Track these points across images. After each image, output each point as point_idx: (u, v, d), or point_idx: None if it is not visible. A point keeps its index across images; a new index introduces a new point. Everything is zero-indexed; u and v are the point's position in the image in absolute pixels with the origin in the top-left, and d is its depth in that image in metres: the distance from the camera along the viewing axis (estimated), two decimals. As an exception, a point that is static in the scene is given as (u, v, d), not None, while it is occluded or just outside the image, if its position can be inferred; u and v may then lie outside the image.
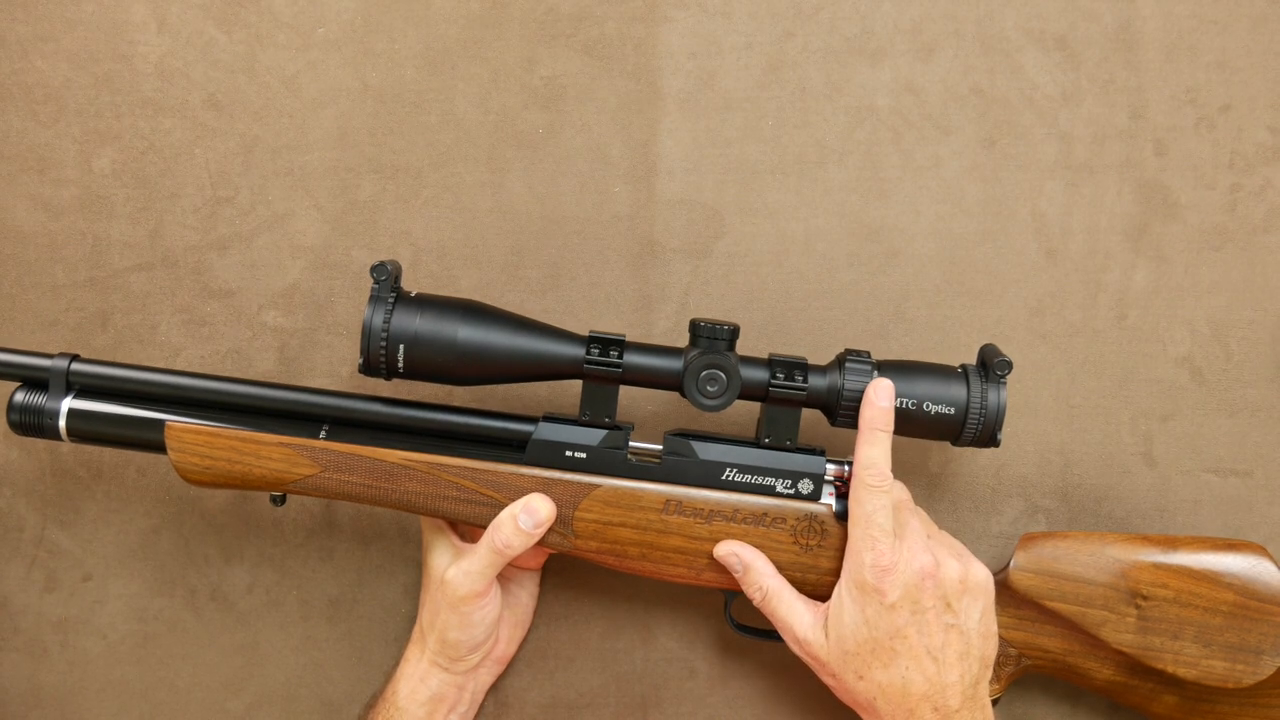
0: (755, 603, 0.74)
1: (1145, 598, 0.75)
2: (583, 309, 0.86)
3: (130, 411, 0.74)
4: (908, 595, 0.70)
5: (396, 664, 0.79)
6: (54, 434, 0.74)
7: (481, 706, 0.85)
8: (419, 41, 0.86)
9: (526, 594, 0.82)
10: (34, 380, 0.74)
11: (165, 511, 0.87)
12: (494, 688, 0.85)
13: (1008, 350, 0.85)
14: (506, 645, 0.82)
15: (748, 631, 0.80)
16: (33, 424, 0.74)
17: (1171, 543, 0.76)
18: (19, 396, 0.74)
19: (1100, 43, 0.85)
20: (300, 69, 0.86)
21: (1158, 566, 0.75)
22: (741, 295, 0.85)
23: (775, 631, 0.78)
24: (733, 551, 0.73)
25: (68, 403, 0.74)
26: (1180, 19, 0.85)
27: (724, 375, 0.72)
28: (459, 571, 0.73)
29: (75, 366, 0.74)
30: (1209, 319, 0.85)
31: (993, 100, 0.85)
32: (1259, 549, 0.76)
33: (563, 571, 0.86)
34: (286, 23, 0.85)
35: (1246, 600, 0.75)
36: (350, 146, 0.86)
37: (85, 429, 0.74)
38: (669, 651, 0.86)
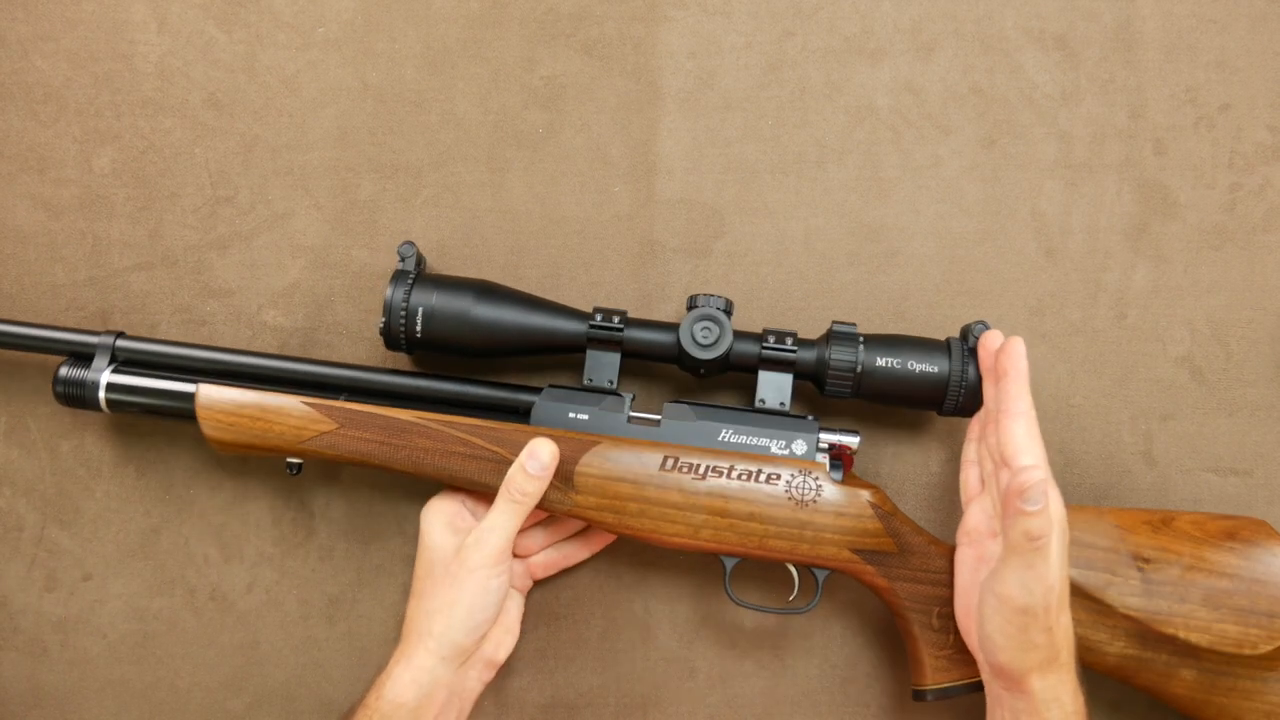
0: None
1: (1147, 560, 0.75)
2: (582, 308, 0.86)
3: (164, 384, 0.79)
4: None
5: (380, 670, 0.78)
6: (95, 405, 0.79)
7: (482, 707, 0.84)
8: (419, 41, 0.86)
9: (515, 606, 0.83)
10: (80, 355, 0.80)
11: (165, 511, 0.87)
12: (494, 688, 0.85)
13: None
14: (495, 648, 0.81)
15: (745, 605, 0.81)
16: (76, 395, 0.79)
17: (1168, 517, 0.77)
18: (64, 370, 0.80)
19: (1100, 42, 0.85)
20: (300, 68, 0.86)
21: (1157, 533, 0.75)
22: (741, 294, 0.86)
23: (771, 606, 0.81)
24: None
25: (106, 376, 0.79)
26: (1180, 18, 0.85)
27: (716, 325, 0.76)
28: (482, 530, 0.75)
29: (120, 343, 0.80)
30: (1209, 318, 0.85)
31: (992, 100, 0.85)
32: (1259, 522, 0.75)
33: (563, 571, 0.86)
34: (286, 22, 0.86)
35: (1252, 564, 0.74)
36: (350, 146, 0.86)
37: (122, 400, 0.79)
38: (669, 651, 0.86)
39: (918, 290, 0.85)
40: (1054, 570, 0.68)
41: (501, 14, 0.85)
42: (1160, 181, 0.85)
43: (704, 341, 0.75)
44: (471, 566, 0.75)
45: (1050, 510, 0.67)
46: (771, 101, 0.85)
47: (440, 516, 0.78)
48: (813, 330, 0.85)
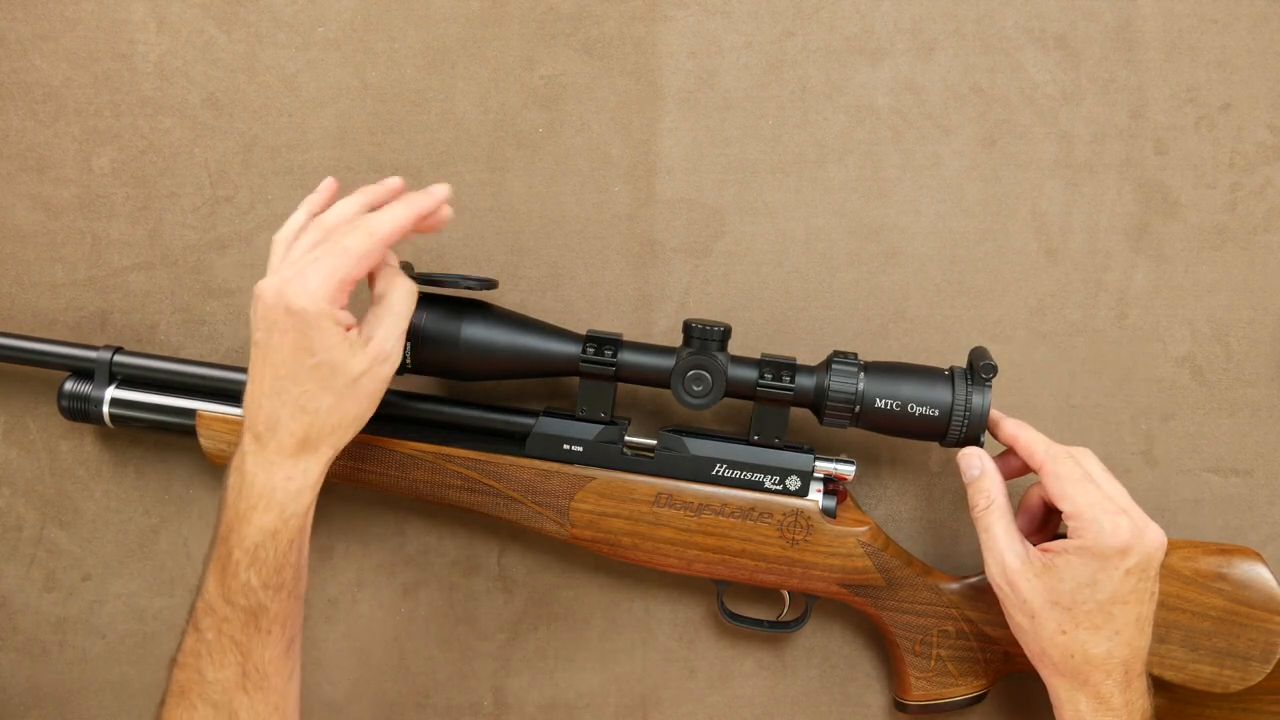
0: (976, 511, 0.74)
1: None
2: (582, 308, 0.86)
3: (166, 400, 0.80)
4: (1140, 565, 0.69)
5: (241, 499, 0.67)
6: (99, 420, 0.80)
7: (481, 707, 0.84)
8: (419, 41, 0.85)
9: None
10: (81, 370, 0.80)
11: (164, 511, 0.87)
12: (494, 687, 0.85)
13: (1008, 350, 0.85)
14: None
15: (741, 621, 0.82)
16: (80, 410, 0.80)
17: None
18: (69, 385, 0.80)
19: (1100, 41, 0.85)
20: (300, 68, 0.86)
21: None
22: (741, 295, 0.85)
23: (767, 621, 0.82)
24: (975, 453, 0.75)
25: (110, 392, 0.79)
26: (1180, 18, 0.85)
27: (709, 376, 0.74)
28: (391, 349, 0.70)
29: (118, 359, 0.80)
30: (1209, 318, 0.85)
31: (993, 99, 0.85)
32: (1253, 554, 0.75)
33: (563, 572, 0.86)
34: (286, 22, 0.85)
35: (1237, 606, 0.74)
36: (350, 145, 0.86)
37: (126, 416, 0.80)
38: (669, 651, 0.86)
39: (918, 290, 0.85)
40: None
41: (501, 13, 0.85)
42: (1161, 181, 0.85)
43: (697, 392, 0.74)
44: (380, 383, 0.70)
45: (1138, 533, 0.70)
46: (771, 101, 0.85)
47: (329, 318, 0.67)
48: (813, 331, 0.85)
